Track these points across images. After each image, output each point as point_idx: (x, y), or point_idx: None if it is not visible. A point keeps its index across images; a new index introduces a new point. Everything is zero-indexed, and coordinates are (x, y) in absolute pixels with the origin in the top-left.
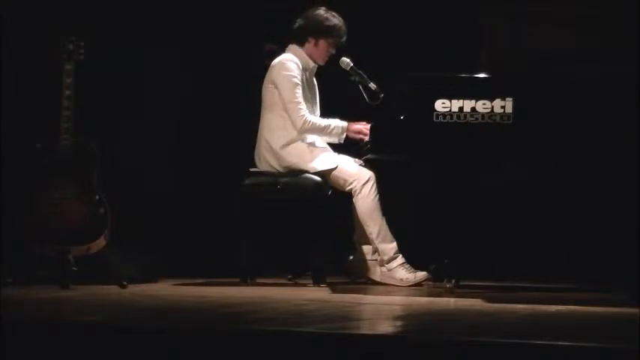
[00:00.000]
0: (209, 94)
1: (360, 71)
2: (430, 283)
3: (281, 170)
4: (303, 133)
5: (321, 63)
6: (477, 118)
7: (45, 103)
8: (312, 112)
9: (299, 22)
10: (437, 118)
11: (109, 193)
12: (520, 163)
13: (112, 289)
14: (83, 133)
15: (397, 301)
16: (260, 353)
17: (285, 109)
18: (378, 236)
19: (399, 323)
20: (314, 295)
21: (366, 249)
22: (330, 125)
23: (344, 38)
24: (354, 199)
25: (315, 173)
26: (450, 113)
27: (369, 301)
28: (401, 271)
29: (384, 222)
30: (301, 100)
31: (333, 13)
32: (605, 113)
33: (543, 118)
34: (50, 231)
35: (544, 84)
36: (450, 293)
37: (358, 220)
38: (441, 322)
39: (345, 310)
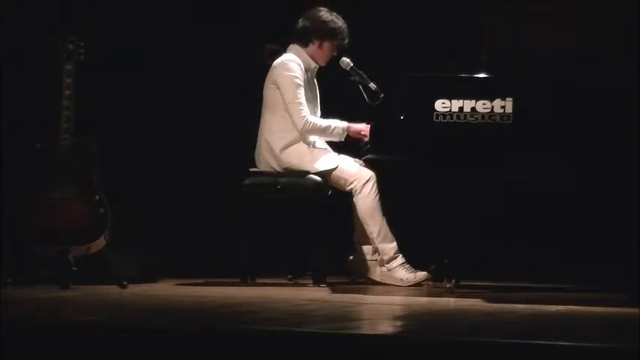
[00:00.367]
0: (209, 94)
1: (360, 71)
2: (430, 283)
3: (281, 171)
4: (304, 134)
5: (323, 64)
6: (477, 118)
7: (45, 103)
8: (313, 112)
9: (302, 22)
10: (437, 118)
11: (109, 193)
12: (520, 163)
13: (112, 289)
14: (83, 133)
15: (397, 301)
16: (260, 353)
17: (287, 110)
18: (378, 236)
19: (399, 323)
20: (314, 295)
21: (366, 249)
22: (331, 126)
23: (346, 40)
24: (354, 199)
25: (316, 173)
26: (450, 113)
27: (369, 301)
28: (401, 271)
29: (385, 222)
30: (303, 100)
31: (337, 15)
32: (605, 113)
33: (543, 118)
34: (50, 231)
35: (544, 84)
36: (450, 293)
37: (358, 220)
38: (441, 322)
39: (345, 310)
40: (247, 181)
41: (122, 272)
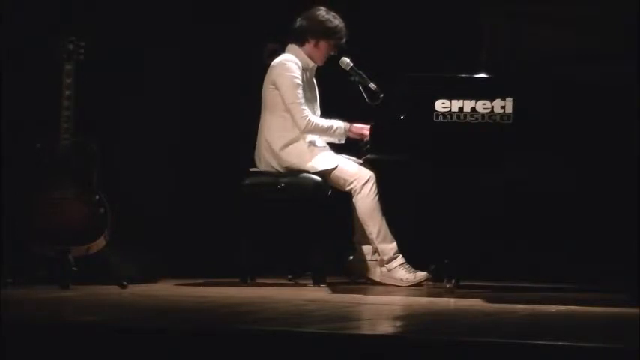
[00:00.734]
0: (209, 94)
1: (360, 71)
2: (430, 283)
3: (281, 170)
4: (305, 134)
5: (320, 63)
6: (477, 118)
7: (45, 103)
8: (313, 112)
9: (299, 22)
10: (437, 118)
11: (109, 193)
12: (520, 163)
13: (112, 289)
14: (83, 133)
15: (397, 301)
16: (260, 353)
17: (287, 110)
18: (378, 236)
19: (399, 323)
20: (314, 295)
21: (366, 249)
22: (333, 126)
23: (344, 40)
24: (353, 199)
25: (316, 173)
26: (450, 113)
27: (369, 301)
28: (401, 271)
29: (384, 222)
30: (303, 100)
31: (334, 14)
32: (605, 113)
33: (543, 118)
34: (50, 231)
35: (544, 84)
36: (450, 293)
37: (358, 220)
38: (441, 322)
39: (345, 310)
40: (247, 181)
41: (122, 272)
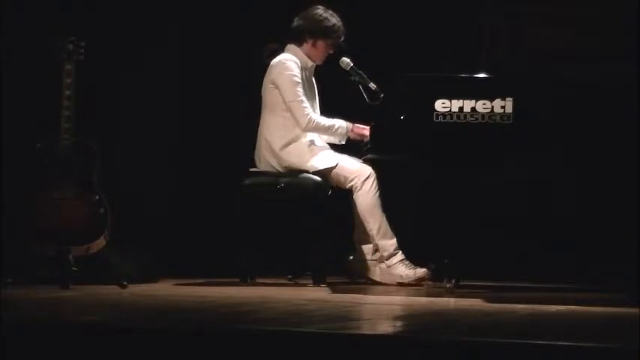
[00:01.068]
0: (209, 94)
1: (360, 71)
2: (430, 283)
3: (281, 170)
4: (307, 132)
5: (319, 62)
6: (476, 118)
7: (45, 103)
8: (313, 110)
9: (297, 21)
10: (437, 118)
11: (109, 193)
12: (520, 163)
13: (112, 289)
14: (83, 133)
15: (397, 301)
16: (260, 353)
17: (288, 109)
18: (378, 232)
19: (399, 323)
20: (314, 295)
21: (366, 249)
22: (334, 125)
23: (342, 38)
24: (354, 196)
25: (316, 172)
26: (450, 113)
27: (369, 301)
28: (401, 268)
29: (384, 218)
30: (304, 98)
31: (332, 13)
32: (606, 113)
33: (543, 118)
34: (50, 231)
35: (544, 84)
36: (450, 293)
37: (358, 219)
38: (441, 322)
39: (345, 310)
40: (247, 181)
41: (122, 272)
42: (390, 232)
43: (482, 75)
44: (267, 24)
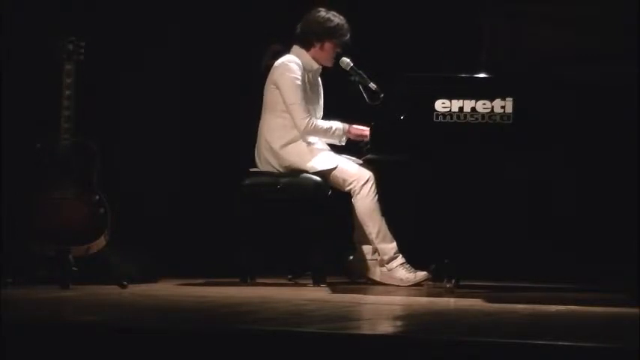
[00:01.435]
0: (209, 94)
1: (360, 71)
2: (430, 283)
3: (281, 170)
4: (305, 135)
5: (329, 65)
6: (476, 118)
7: (45, 103)
8: (314, 114)
9: (301, 27)
10: (437, 118)
11: (109, 193)
12: (520, 163)
13: (112, 289)
14: (83, 133)
15: (397, 301)
16: (260, 353)
17: (288, 111)
18: (377, 236)
19: (399, 323)
20: (314, 295)
21: (366, 249)
22: (332, 127)
23: (348, 36)
24: (353, 199)
25: (315, 173)
26: (450, 113)
27: (369, 301)
28: (401, 271)
29: (384, 222)
30: (303, 101)
31: (334, 13)
32: (605, 113)
33: (543, 118)
34: (50, 231)
35: (544, 84)
36: (450, 293)
37: (358, 220)
38: (441, 322)
39: (345, 310)
40: (247, 181)
41: (122, 272)
42: (389, 235)
43: (482, 75)
44: (267, 24)
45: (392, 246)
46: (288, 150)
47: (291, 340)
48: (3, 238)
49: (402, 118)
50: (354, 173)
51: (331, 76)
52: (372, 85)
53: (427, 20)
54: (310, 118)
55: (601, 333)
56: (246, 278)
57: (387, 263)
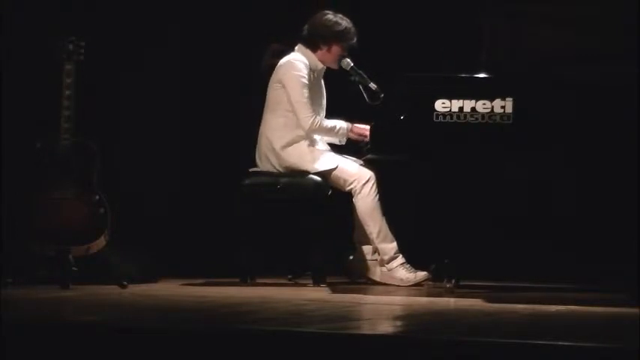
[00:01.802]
0: (209, 94)
1: (360, 71)
2: (430, 283)
3: (281, 170)
4: (310, 134)
5: (335, 67)
6: (477, 118)
7: (45, 103)
8: (318, 114)
9: (308, 30)
10: (437, 118)
11: (109, 193)
12: (520, 163)
13: (112, 289)
14: (83, 133)
15: (397, 301)
16: (260, 353)
17: (293, 109)
18: (378, 236)
19: (399, 323)
20: (314, 295)
21: (366, 249)
22: (335, 126)
23: (355, 40)
24: (354, 199)
25: (316, 173)
26: (450, 113)
27: (369, 301)
28: (401, 271)
29: (384, 222)
30: (309, 100)
31: (341, 16)
32: (605, 113)
33: (543, 118)
34: (50, 231)
35: (544, 84)
36: (450, 293)
37: (358, 220)
38: (441, 322)
39: (345, 310)
40: (247, 181)
41: (122, 272)
42: (390, 235)
43: (482, 75)
44: (267, 24)
45: (392, 246)
46: (289, 151)
47: (291, 340)
48: (3, 238)
49: (402, 118)
50: (355, 173)
51: (332, 76)
52: (372, 85)
53: (427, 20)
54: (315, 117)
55: (601, 333)
56: (246, 278)
57: (387, 263)
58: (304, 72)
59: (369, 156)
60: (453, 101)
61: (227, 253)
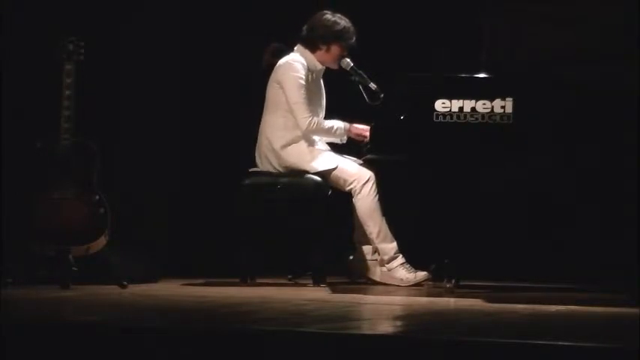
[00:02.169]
0: (209, 94)
1: (360, 71)
2: (430, 283)
3: (281, 170)
4: (308, 134)
5: (335, 67)
6: (477, 118)
7: (45, 103)
8: (317, 113)
9: (307, 30)
10: (437, 118)
11: (109, 193)
12: (520, 163)
13: (112, 289)
14: (83, 133)
15: (397, 301)
16: (260, 353)
17: (290, 110)
18: (378, 236)
19: (399, 323)
20: (314, 295)
21: (366, 249)
22: (333, 126)
23: (354, 39)
24: (353, 199)
25: (316, 173)
26: (450, 113)
27: (369, 301)
28: (401, 271)
29: (384, 222)
30: (306, 101)
31: (340, 16)
32: (605, 113)
33: (543, 118)
34: (50, 231)
35: (544, 84)
36: (450, 293)
37: (358, 220)
38: (441, 322)
39: (345, 310)
40: (247, 181)
41: (122, 272)
42: (389, 235)
43: (482, 75)
44: (267, 24)
45: (392, 246)
46: (288, 151)
47: (291, 340)
48: (3, 238)
49: (402, 118)
50: (355, 173)
51: (331, 76)
52: (372, 85)
53: (427, 20)
54: (312, 117)
55: (601, 333)
56: (246, 278)
57: (387, 263)
58: (302, 73)
59: (369, 156)
60: (453, 101)
61: (227, 253)
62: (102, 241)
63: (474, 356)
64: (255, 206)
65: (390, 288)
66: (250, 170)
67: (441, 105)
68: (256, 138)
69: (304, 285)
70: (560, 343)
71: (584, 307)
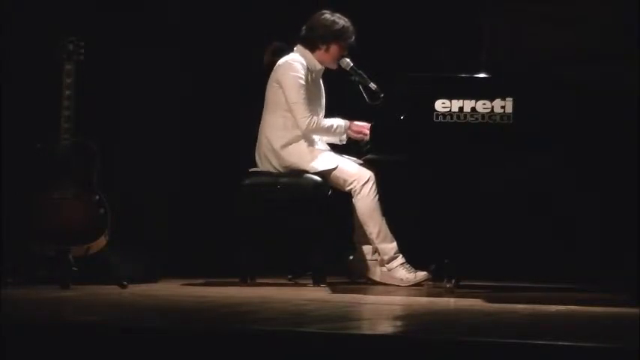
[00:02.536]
0: (209, 94)
1: (360, 71)
2: (430, 283)
3: (281, 170)
4: (308, 134)
5: (334, 67)
6: (477, 118)
7: (45, 103)
8: (316, 114)
9: (306, 30)
10: (437, 118)
11: (109, 193)
12: (520, 163)
13: (112, 289)
14: (83, 133)
15: (397, 301)
16: (260, 353)
17: (290, 110)
18: (378, 236)
19: (399, 323)
20: (314, 295)
21: (366, 249)
22: (333, 125)
23: (353, 39)
24: (353, 200)
25: (316, 173)
26: (450, 113)
27: (369, 301)
28: (401, 271)
29: (384, 222)
30: (306, 100)
31: (339, 15)
32: (605, 113)
33: (543, 118)
34: (50, 231)
35: (544, 84)
36: (450, 293)
37: (358, 220)
38: (441, 322)
39: (345, 310)
40: (247, 181)
41: (122, 272)
42: (389, 235)
43: (482, 75)
44: (267, 24)
45: (392, 246)
46: (288, 150)
47: (291, 340)
48: (3, 238)
49: (402, 118)
50: (355, 173)
51: (331, 76)
52: (372, 85)
53: (427, 20)
54: (312, 117)
55: (601, 333)
56: (246, 278)
57: (387, 263)
58: (301, 73)
59: (369, 156)
60: (453, 101)
61: (227, 253)
62: (102, 241)
63: (474, 356)
64: (255, 206)
65: (390, 288)
66: (250, 170)
67: (441, 105)
68: (256, 138)
69: (304, 285)
70: (560, 343)
71: (584, 307)
